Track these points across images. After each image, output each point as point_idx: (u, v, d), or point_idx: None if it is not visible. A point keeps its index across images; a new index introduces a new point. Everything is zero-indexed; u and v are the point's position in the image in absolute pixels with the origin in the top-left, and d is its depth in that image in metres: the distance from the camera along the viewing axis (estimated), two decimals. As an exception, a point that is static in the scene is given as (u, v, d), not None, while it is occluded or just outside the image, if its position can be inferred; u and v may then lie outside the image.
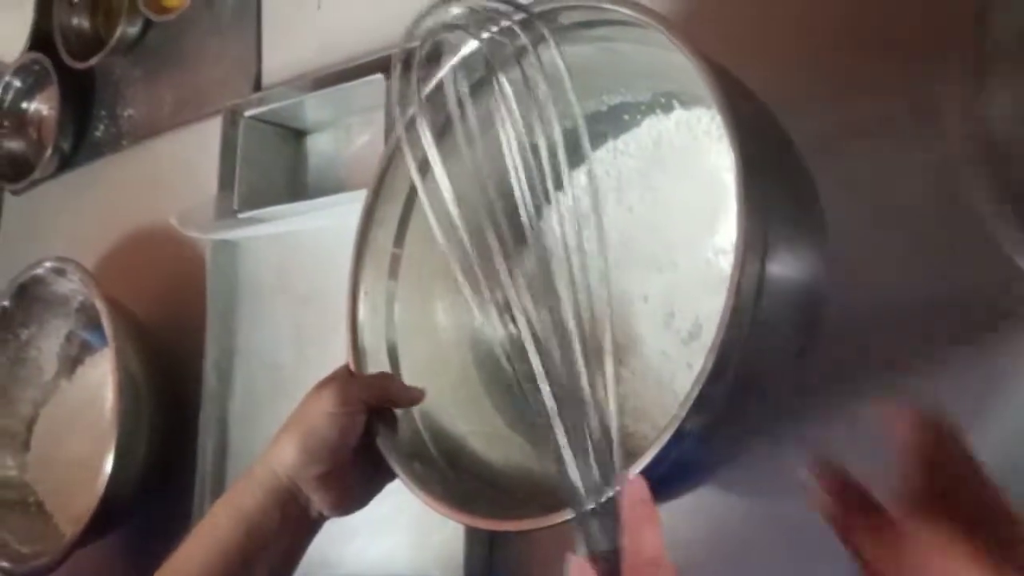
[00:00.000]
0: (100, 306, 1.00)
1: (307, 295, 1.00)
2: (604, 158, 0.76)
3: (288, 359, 1.00)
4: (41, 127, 1.37)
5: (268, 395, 1.00)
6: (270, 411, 0.95)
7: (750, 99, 0.60)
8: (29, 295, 1.12)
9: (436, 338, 0.77)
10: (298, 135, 1.08)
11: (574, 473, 0.50)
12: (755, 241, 0.52)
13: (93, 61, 1.24)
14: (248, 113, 1.04)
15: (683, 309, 0.68)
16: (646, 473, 0.51)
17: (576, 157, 0.73)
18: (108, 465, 0.93)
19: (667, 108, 0.72)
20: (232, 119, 1.05)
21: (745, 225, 0.51)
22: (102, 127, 1.30)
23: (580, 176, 0.76)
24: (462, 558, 0.81)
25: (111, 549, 1.04)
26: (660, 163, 0.72)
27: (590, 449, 0.50)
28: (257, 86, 1.12)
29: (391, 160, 0.74)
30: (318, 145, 1.07)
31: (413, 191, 0.74)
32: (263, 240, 1.03)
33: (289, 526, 0.63)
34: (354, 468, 0.64)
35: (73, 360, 1.16)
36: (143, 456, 0.98)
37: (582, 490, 0.49)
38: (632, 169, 0.74)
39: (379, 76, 0.93)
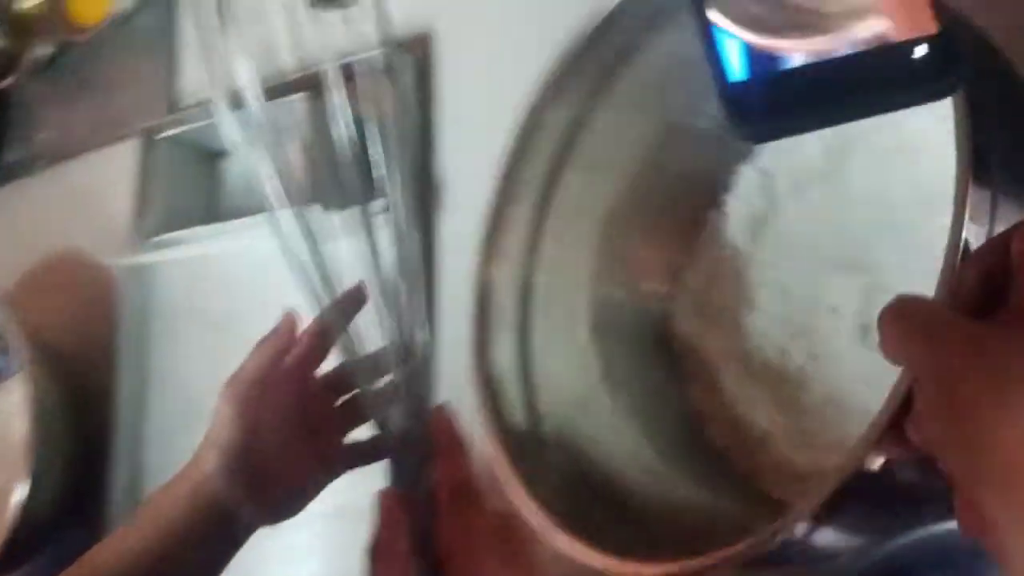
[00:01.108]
0: (12, 332, 0.98)
1: (222, 320, 0.99)
2: (775, 151, 0.67)
3: (203, 384, 0.98)
4: (-47, 150, 1.34)
5: (183, 421, 0.98)
6: (185, 437, 0.92)
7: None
8: (-62, 322, 1.10)
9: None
10: (215, 157, 1.07)
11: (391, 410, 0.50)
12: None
13: (5, 82, 1.22)
14: (162, 134, 1.03)
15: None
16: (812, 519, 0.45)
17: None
18: (19, 495, 0.92)
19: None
20: (147, 141, 1.04)
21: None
22: (15, 150, 1.27)
23: (750, 173, 0.69)
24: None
25: (25, 580, 1.01)
26: (843, 146, 0.63)
27: (402, 384, 0.50)
28: (173, 107, 1.11)
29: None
30: (236, 167, 1.06)
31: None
32: (178, 264, 1.02)
33: (210, 536, 0.62)
34: (278, 474, 0.63)
35: (-16, 388, 1.14)
36: (56, 485, 0.96)
37: (394, 424, 0.49)
38: (810, 157, 0.65)
39: (299, 96, 0.92)
